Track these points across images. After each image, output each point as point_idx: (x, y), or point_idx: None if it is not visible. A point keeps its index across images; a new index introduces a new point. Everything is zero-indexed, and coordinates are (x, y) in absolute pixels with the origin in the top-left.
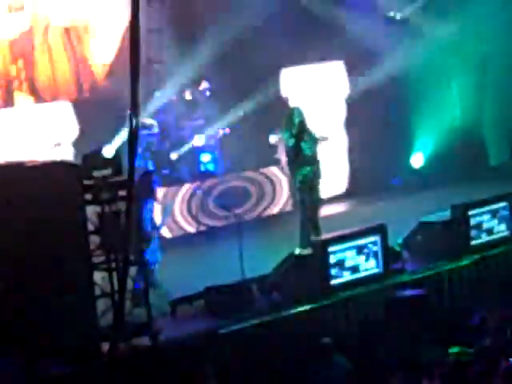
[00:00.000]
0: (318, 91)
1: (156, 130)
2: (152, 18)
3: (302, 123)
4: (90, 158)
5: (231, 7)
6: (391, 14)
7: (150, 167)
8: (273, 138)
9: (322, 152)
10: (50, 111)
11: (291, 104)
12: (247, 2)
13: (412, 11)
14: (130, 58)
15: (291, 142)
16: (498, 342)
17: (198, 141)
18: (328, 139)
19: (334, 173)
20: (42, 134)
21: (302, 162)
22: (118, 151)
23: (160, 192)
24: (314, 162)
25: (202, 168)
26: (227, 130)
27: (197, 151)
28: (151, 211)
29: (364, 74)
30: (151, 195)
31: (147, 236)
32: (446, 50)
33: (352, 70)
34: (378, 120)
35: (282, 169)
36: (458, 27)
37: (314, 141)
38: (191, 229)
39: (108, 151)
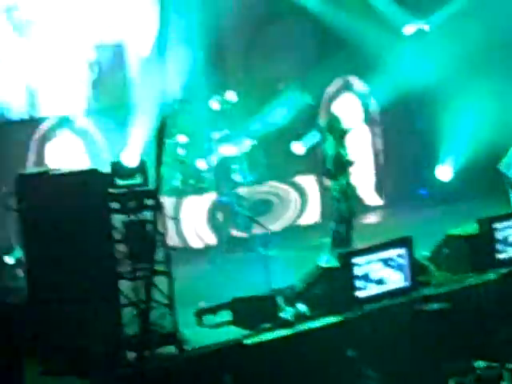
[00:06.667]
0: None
1: (183, 139)
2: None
3: (343, 131)
4: (116, 167)
5: (257, 19)
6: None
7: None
8: (297, 147)
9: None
10: None
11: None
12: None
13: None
14: None
15: (331, 149)
16: None
17: (226, 151)
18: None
19: (362, 184)
20: None
21: (340, 172)
22: (143, 159)
23: (186, 202)
24: (348, 172)
25: (230, 178)
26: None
27: (224, 161)
28: None
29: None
30: None
31: None
32: (472, 61)
33: (373, 82)
34: (403, 130)
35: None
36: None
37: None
38: (215, 239)
39: (130, 158)
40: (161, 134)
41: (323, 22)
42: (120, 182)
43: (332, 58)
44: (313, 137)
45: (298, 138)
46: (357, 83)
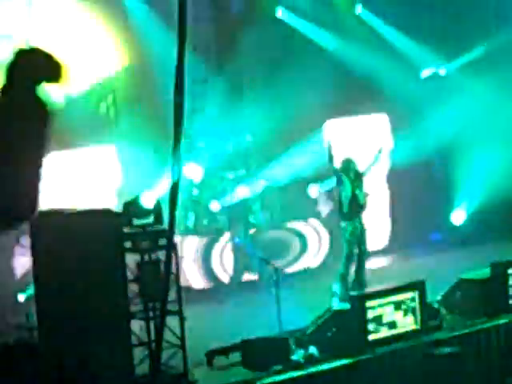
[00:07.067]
0: (361, 143)
1: (198, 179)
2: (197, 68)
3: (358, 173)
4: (130, 206)
5: (276, 60)
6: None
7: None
8: (313, 191)
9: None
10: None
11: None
12: (293, 56)
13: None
14: (173, 98)
15: (348, 191)
16: None
17: (240, 192)
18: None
19: (376, 226)
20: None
21: (354, 213)
22: (159, 200)
23: (198, 241)
24: (362, 213)
25: (243, 219)
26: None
27: (238, 202)
28: None
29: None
30: None
31: None
32: (490, 107)
33: (395, 123)
34: (417, 174)
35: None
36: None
37: (364, 193)
38: (227, 280)
39: (148, 199)
40: (174, 194)
41: (340, 62)
42: (134, 221)
43: (349, 97)
44: (331, 182)
45: (316, 181)
46: (373, 124)
